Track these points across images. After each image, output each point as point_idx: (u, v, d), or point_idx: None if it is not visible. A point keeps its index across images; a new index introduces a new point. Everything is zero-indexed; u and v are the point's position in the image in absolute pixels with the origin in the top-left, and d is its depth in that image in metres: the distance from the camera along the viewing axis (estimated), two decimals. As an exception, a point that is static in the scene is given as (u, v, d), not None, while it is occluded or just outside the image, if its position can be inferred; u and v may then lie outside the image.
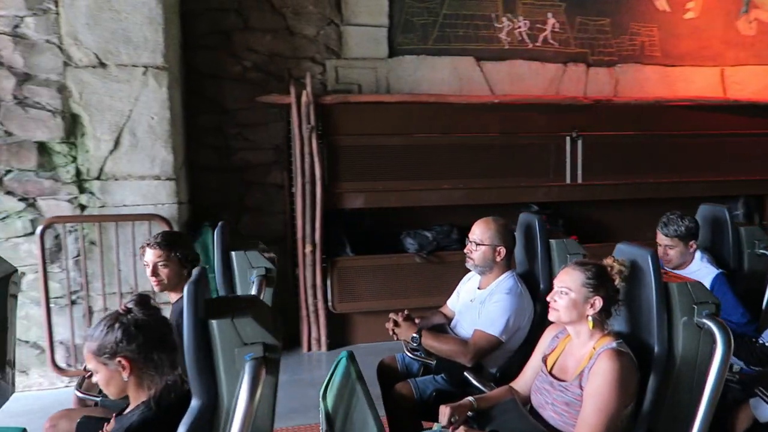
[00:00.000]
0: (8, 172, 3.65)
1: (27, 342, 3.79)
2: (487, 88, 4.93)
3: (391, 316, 2.63)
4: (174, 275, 2.44)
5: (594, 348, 1.87)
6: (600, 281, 1.90)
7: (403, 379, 2.53)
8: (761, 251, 2.93)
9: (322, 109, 4.33)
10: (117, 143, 3.75)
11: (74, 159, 3.74)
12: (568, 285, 1.91)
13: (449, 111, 4.56)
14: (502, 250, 2.54)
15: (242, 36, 4.51)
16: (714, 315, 1.76)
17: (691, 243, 2.88)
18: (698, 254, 2.92)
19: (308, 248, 4.39)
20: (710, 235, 3.09)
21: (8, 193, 3.67)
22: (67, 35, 3.64)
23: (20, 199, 3.69)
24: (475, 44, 4.92)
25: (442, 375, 2.46)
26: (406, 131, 4.48)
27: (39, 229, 3.62)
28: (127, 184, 3.79)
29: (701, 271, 2.85)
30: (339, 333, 4.55)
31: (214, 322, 1.33)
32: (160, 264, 2.44)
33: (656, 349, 1.83)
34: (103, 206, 3.78)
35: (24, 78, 3.63)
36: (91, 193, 3.77)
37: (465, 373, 2.38)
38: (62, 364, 3.79)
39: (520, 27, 4.99)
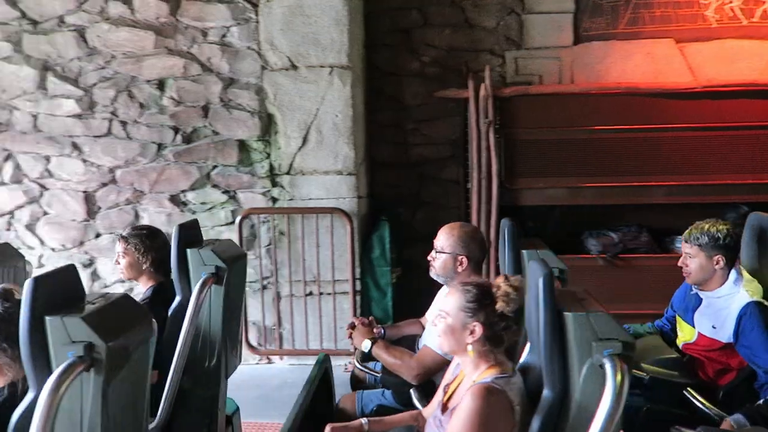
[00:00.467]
0: (215, 167, 4.08)
1: (226, 320, 4.22)
2: (688, 73, 4.38)
3: (353, 319, 2.49)
4: (130, 266, 2.58)
5: (474, 381, 1.61)
6: (480, 305, 1.63)
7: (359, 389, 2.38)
8: None
9: (500, 103, 4.19)
10: (305, 140, 4.00)
11: (268, 155, 4.06)
12: (446, 309, 1.66)
13: (641, 101, 4.13)
14: (464, 260, 2.33)
15: (421, 32, 4.54)
16: (620, 356, 1.30)
17: (716, 257, 2.34)
18: (734, 275, 2.38)
19: (482, 245, 4.28)
20: (758, 252, 2.42)
21: (214, 186, 4.10)
22: (264, 41, 3.95)
23: (223, 192, 4.10)
24: (675, 24, 4.40)
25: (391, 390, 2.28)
26: (591, 124, 4.16)
27: (238, 219, 4.00)
28: (312, 179, 4.03)
29: (732, 296, 2.35)
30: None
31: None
32: (120, 254, 2.60)
33: (544, 390, 1.46)
34: (291, 199, 4.05)
35: (229, 82, 4.02)
36: (282, 186, 4.06)
37: (411, 391, 2.17)
38: (254, 343, 4.16)
39: (731, 1, 4.35)
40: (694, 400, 2.30)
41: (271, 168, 4.06)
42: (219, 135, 4.05)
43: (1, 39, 4.01)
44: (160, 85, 4.03)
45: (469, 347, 1.65)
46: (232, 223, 4.06)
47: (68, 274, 1.54)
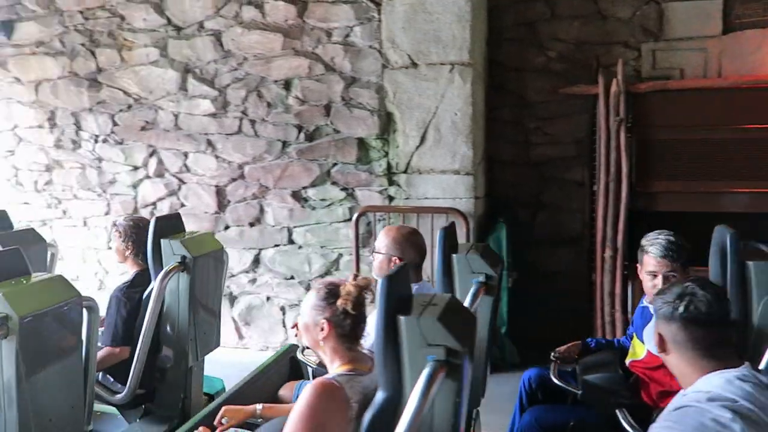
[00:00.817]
0: (334, 164, 4.18)
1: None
2: None
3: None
4: (117, 250, 2.87)
5: None
6: (327, 303, 1.73)
7: None
8: None
9: (633, 99, 3.88)
10: (423, 139, 3.97)
11: (386, 154, 4.08)
12: (302, 308, 1.79)
13: (805, 96, 3.63)
14: (398, 261, 2.36)
15: (548, 25, 4.32)
16: (447, 362, 1.29)
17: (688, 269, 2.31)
18: None
19: (608, 252, 4.01)
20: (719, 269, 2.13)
21: (333, 183, 4.20)
22: (386, 40, 3.97)
23: (342, 189, 4.19)
24: None
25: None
26: (741, 122, 3.72)
27: (354, 216, 4.06)
28: (429, 178, 3.99)
29: None
30: (638, 349, 4.07)
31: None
32: (111, 239, 2.96)
33: (379, 390, 1.43)
34: (407, 198, 4.04)
35: (350, 81, 4.09)
36: (398, 185, 4.07)
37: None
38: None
39: None
40: (623, 421, 2.15)
41: (389, 166, 4.08)
42: (339, 133, 4.14)
43: (150, 45, 4.38)
44: (287, 85, 4.19)
45: (321, 344, 1.75)
46: (349, 219, 4.14)
47: (15, 254, 1.72)
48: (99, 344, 2.49)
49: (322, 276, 4.28)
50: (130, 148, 4.53)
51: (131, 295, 2.74)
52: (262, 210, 4.36)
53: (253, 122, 4.28)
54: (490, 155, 4.38)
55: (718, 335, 1.50)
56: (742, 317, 1.94)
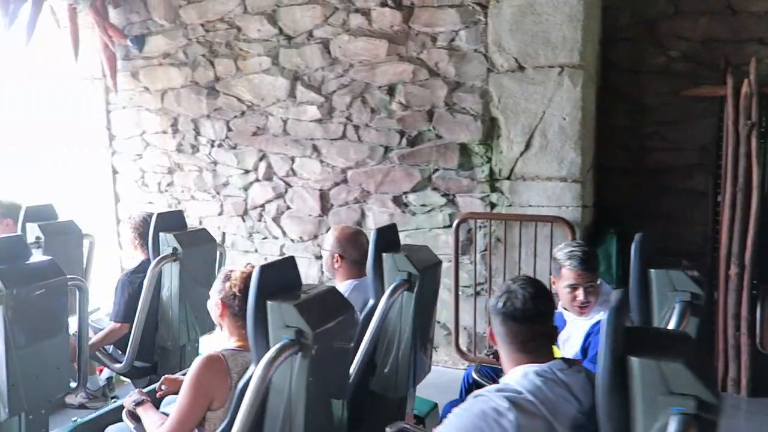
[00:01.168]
0: (436, 170, 4.14)
1: (438, 322, 4.26)
2: None
3: None
4: (127, 239, 3.48)
5: None
6: (222, 287, 2.01)
7: None
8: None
9: (767, 101, 3.52)
10: (528, 145, 3.83)
11: (489, 160, 3.99)
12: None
13: None
14: (339, 259, 2.62)
15: (670, 23, 4.02)
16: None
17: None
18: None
19: (733, 269, 3.66)
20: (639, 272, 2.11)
21: (434, 188, 4.16)
22: (492, 43, 3.88)
23: (442, 195, 4.15)
24: None
25: None
26: None
27: (455, 223, 4.00)
28: (533, 185, 3.84)
29: None
30: (765, 377, 3.67)
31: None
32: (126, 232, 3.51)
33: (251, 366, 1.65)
34: (510, 205, 3.92)
35: (454, 86, 4.04)
36: (501, 192, 3.96)
37: None
38: (464, 348, 4.13)
39: None
40: None
41: (491, 172, 3.98)
42: (442, 138, 4.10)
43: (263, 54, 4.59)
44: (390, 90, 4.22)
45: (220, 320, 2.04)
46: (450, 226, 4.08)
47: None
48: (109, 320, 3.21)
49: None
50: (242, 153, 4.77)
51: (134, 280, 3.18)
52: (363, 214, 4.42)
53: (356, 127, 4.36)
54: (600, 162, 4.14)
55: (532, 331, 1.60)
56: (644, 322, 1.97)
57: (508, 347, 1.62)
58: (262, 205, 4.77)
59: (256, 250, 4.84)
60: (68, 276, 2.47)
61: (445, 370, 4.16)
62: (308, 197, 4.58)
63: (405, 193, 4.25)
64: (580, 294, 2.41)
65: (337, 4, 4.29)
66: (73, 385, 2.71)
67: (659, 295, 1.96)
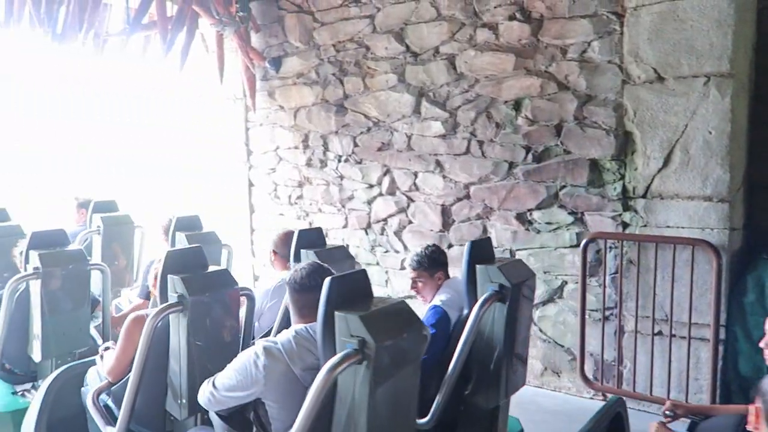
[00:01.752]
0: (563, 187, 3.97)
1: (562, 346, 4.05)
2: None
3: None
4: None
5: None
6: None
7: None
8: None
9: None
10: (667, 161, 3.56)
11: (622, 176, 3.75)
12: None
13: None
14: (273, 254, 3.46)
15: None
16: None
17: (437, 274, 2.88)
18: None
19: None
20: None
21: (561, 206, 3.99)
22: (628, 53, 3.66)
23: (570, 213, 3.96)
24: None
25: None
26: None
27: (583, 242, 3.80)
28: (672, 204, 3.56)
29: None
30: None
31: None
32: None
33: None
34: (644, 225, 3.66)
35: (585, 99, 3.86)
36: (635, 211, 3.70)
37: None
38: (590, 376, 3.88)
39: None
40: None
41: (624, 190, 3.74)
42: (570, 154, 3.93)
43: (390, 71, 4.70)
44: (516, 105, 4.13)
45: (153, 290, 2.85)
46: (577, 246, 3.89)
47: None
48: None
49: (543, 303, 4.09)
50: (367, 168, 4.90)
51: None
52: (485, 230, 4.34)
53: (480, 143, 4.31)
54: (752, 180, 3.74)
55: (304, 299, 2.08)
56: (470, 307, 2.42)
57: (292, 311, 2.14)
58: (385, 219, 4.86)
59: (377, 263, 4.93)
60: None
61: (568, 398, 3.95)
62: (430, 212, 4.59)
63: (529, 210, 4.12)
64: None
65: (464, 19, 4.29)
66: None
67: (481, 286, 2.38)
